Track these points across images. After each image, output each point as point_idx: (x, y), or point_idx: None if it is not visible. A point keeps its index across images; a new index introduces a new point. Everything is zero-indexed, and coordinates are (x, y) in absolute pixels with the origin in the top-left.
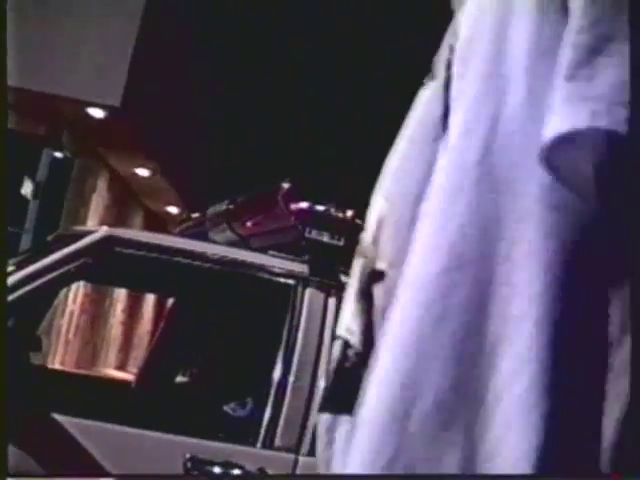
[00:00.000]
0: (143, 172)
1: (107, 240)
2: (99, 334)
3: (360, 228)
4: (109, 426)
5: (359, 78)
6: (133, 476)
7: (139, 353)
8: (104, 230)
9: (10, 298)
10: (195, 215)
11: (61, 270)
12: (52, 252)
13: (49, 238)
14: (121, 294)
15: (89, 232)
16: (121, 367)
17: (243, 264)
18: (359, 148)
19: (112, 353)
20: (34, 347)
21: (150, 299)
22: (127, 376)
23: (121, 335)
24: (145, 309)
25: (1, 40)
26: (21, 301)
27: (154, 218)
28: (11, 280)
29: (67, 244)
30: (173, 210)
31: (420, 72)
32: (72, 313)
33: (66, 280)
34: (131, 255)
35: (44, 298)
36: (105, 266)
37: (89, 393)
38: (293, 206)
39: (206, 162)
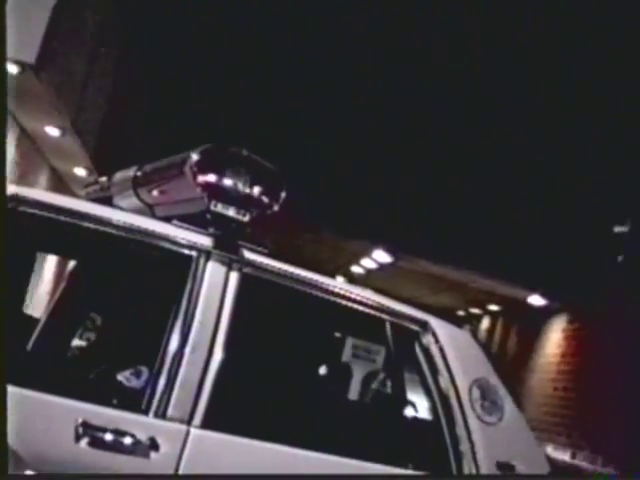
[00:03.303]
0: (53, 131)
1: (12, 199)
2: None
3: (266, 205)
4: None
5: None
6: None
7: (37, 314)
8: (10, 189)
9: None
10: (102, 179)
11: None
12: None
13: None
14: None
15: None
16: None
17: (146, 232)
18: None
19: None
20: None
21: (51, 260)
22: None
23: None
24: (46, 270)
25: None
26: None
27: (60, 179)
28: None
29: None
30: (81, 172)
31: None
32: None
33: None
34: (35, 216)
35: None
36: (8, 225)
37: None
38: (200, 178)
39: (118, 125)
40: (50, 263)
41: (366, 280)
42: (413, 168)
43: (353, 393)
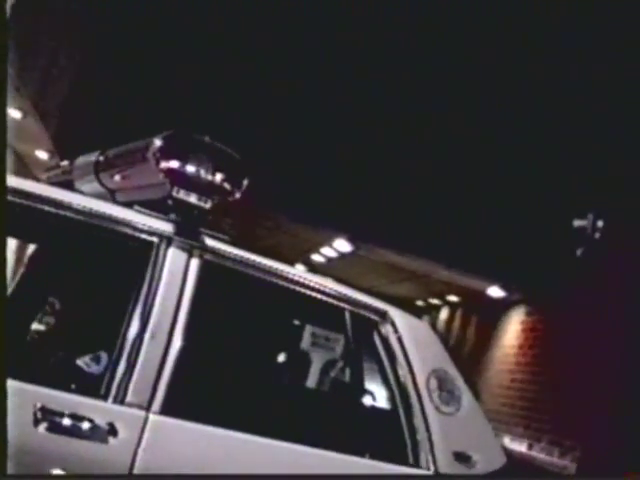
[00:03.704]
0: (15, 113)
1: None
2: None
3: (228, 192)
4: None
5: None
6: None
7: None
8: None
9: None
10: (64, 163)
11: None
12: None
13: None
14: None
15: None
16: None
17: (107, 218)
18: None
19: None
20: None
21: (12, 244)
22: None
23: None
24: (6, 253)
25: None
26: None
27: (22, 161)
28: None
29: None
30: (42, 155)
31: None
32: None
33: None
34: None
35: None
36: None
37: None
38: (163, 164)
39: (81, 109)
40: (10, 247)
41: (326, 269)
42: (375, 157)
43: (312, 381)
